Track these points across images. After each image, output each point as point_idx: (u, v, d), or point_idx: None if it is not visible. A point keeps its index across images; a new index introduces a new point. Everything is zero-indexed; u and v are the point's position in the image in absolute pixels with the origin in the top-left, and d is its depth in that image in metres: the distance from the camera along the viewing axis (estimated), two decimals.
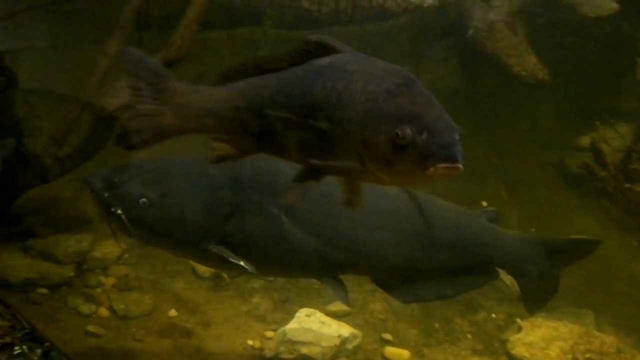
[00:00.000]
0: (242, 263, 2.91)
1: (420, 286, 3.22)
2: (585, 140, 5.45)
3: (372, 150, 1.89)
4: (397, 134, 1.84)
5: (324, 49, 2.02)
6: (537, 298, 3.36)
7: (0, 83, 3.58)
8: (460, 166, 1.83)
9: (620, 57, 5.57)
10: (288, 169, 2.98)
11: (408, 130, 1.83)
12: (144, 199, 2.87)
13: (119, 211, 2.83)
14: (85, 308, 3.63)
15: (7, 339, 2.10)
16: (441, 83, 5.51)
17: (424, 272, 3.19)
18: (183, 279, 4.07)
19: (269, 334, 3.73)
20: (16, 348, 2.07)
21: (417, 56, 5.56)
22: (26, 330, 2.16)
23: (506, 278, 4.19)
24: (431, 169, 1.81)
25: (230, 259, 2.89)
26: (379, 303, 4.12)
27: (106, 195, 2.86)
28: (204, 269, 4.11)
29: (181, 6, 5.24)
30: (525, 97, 5.64)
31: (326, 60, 1.99)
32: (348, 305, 3.31)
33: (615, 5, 5.07)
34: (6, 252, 3.80)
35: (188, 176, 2.99)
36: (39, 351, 2.10)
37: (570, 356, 3.47)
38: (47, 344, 2.14)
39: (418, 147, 1.83)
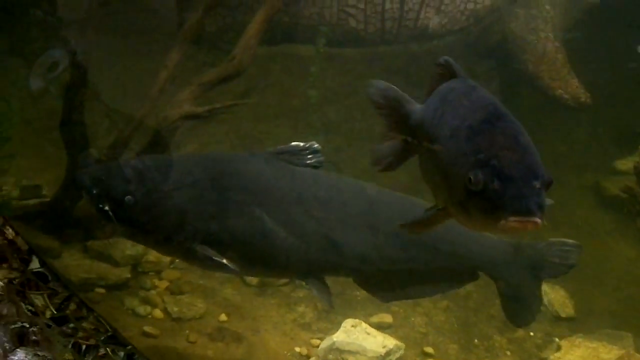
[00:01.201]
0: (224, 261, 2.99)
1: (400, 285, 3.34)
2: (622, 164, 5.52)
3: (450, 191, 1.85)
4: (470, 178, 1.74)
5: (449, 70, 2.13)
6: (521, 307, 3.41)
7: (75, 79, 3.72)
8: (537, 220, 1.68)
9: None
10: (269, 169, 3.18)
11: (480, 176, 1.72)
12: (129, 197, 2.93)
13: (106, 207, 2.90)
14: (141, 309, 3.78)
15: (92, 341, 2.25)
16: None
17: (404, 272, 3.29)
18: (231, 285, 4.21)
19: (315, 342, 3.85)
20: (101, 350, 2.22)
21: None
22: (109, 334, 2.30)
23: (545, 298, 4.29)
24: (502, 222, 1.69)
25: (213, 257, 2.98)
26: (420, 317, 4.23)
27: (94, 192, 2.95)
28: (251, 277, 4.25)
29: (233, 22, 5.47)
30: (562, 119, 5.72)
31: (441, 87, 2.08)
32: (331, 307, 3.42)
33: None
34: (68, 253, 3.97)
35: (173, 174, 3.09)
36: (121, 353, 2.24)
37: None
38: (129, 347, 2.28)
39: (490, 195, 1.71)
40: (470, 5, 5.47)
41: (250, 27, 4.24)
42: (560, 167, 5.80)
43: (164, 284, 4.06)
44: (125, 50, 4.83)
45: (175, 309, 3.85)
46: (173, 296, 3.97)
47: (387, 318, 4.16)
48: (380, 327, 4.01)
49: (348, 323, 3.82)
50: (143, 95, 4.29)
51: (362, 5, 5.47)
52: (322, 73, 4.94)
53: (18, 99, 3.89)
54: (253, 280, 4.26)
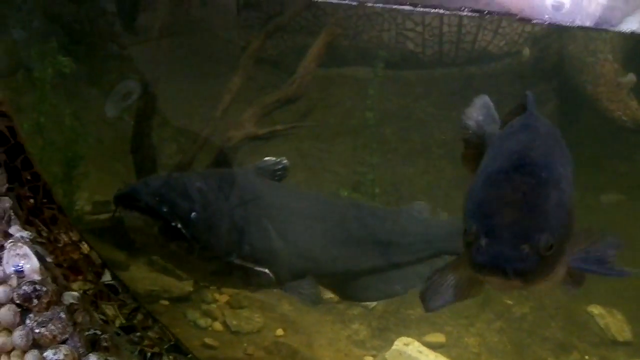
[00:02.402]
0: (267, 271, 3.09)
1: (370, 287, 3.49)
2: None
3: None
4: (465, 230, 1.75)
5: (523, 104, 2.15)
6: None
7: (145, 107, 3.97)
8: (515, 283, 1.65)
9: None
10: (261, 183, 3.29)
11: (474, 230, 1.71)
12: (194, 213, 2.95)
13: (179, 225, 2.89)
14: (202, 321, 3.96)
15: (156, 349, 2.42)
16: None
17: (371, 272, 3.44)
18: (288, 301, 4.35)
19: (368, 359, 3.95)
20: (164, 357, 2.39)
21: (517, 98, 5.70)
22: (172, 343, 2.47)
23: (601, 321, 4.27)
24: (485, 277, 1.69)
25: (256, 267, 3.08)
26: (473, 338, 4.26)
27: (162, 209, 2.89)
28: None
29: (292, 45, 5.67)
30: (624, 140, 5.66)
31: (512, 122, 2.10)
32: (315, 303, 3.42)
33: None
34: (134, 265, 4.19)
35: (218, 189, 3.17)
36: None
37: None
38: (189, 355, 2.44)
39: (476, 250, 1.69)
40: (527, 27, 5.50)
41: (310, 51, 4.41)
42: (621, 188, 5.74)
43: (224, 298, 4.22)
44: (191, 74, 5.07)
45: (234, 322, 4.01)
46: (232, 310, 4.13)
47: (441, 338, 4.22)
48: (433, 346, 4.07)
49: (401, 341, 3.91)
50: (207, 117, 4.51)
51: (420, 29, 5.58)
52: (380, 95, 5.05)
53: (94, 123, 4.15)
54: None
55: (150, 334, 2.45)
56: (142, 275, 4.14)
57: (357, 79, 5.69)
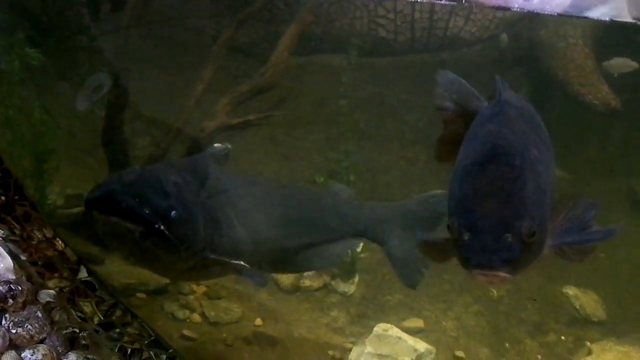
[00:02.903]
0: (242, 263, 3.02)
1: (292, 262, 3.51)
2: None
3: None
4: (448, 225, 1.74)
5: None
6: (408, 267, 3.48)
7: (116, 99, 3.90)
8: (501, 274, 1.64)
9: None
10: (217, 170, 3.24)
11: (455, 225, 1.71)
12: (174, 211, 2.77)
13: (162, 227, 2.70)
14: (180, 313, 3.94)
15: (137, 345, 2.40)
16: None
17: (292, 249, 3.46)
18: (266, 291, 4.34)
19: (348, 345, 3.96)
20: (144, 353, 2.36)
21: (489, 83, 5.73)
22: (152, 338, 2.45)
23: (576, 302, 4.34)
24: (472, 272, 1.68)
25: (231, 261, 3.00)
26: (451, 321, 4.31)
27: (147, 212, 2.69)
28: (286, 282, 4.39)
29: (264, 34, 5.62)
30: (595, 124, 5.73)
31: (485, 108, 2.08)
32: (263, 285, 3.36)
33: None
34: (109, 259, 4.14)
35: (187, 185, 3.05)
36: (164, 357, 2.39)
37: None
38: (170, 350, 2.42)
39: (460, 246, 1.70)
40: (499, 14, 5.53)
41: (282, 40, 4.38)
42: (592, 172, 5.82)
43: (201, 289, 4.20)
44: (161, 64, 5.01)
45: (213, 313, 4.00)
46: (210, 301, 4.11)
47: (419, 322, 4.25)
48: (412, 331, 4.10)
49: (380, 327, 3.92)
50: (180, 107, 4.46)
51: (392, 16, 5.57)
52: (353, 82, 5.04)
53: (65, 116, 4.07)
54: (288, 285, 4.39)
55: (129, 329, 2.42)
56: (117, 269, 4.09)
57: (330, 67, 5.66)
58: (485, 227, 1.66)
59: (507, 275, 1.65)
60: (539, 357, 4.06)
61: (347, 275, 4.57)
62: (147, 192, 2.79)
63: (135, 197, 2.71)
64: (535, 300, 4.42)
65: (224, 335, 3.84)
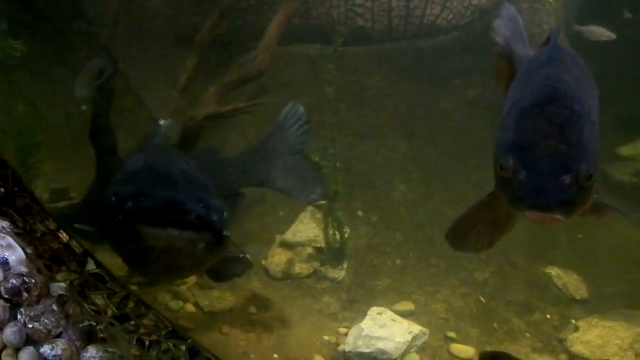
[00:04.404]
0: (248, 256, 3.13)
1: None
2: (626, 150, 5.67)
3: (494, 171, 1.79)
4: (501, 164, 1.71)
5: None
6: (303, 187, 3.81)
7: (104, 87, 3.83)
8: (557, 216, 1.63)
9: None
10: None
11: (510, 163, 1.67)
12: (225, 212, 2.66)
13: (228, 234, 2.62)
14: (173, 304, 3.93)
15: (154, 337, 2.38)
16: (490, 96, 5.76)
17: None
18: (258, 279, 4.37)
19: (342, 330, 4.02)
20: (163, 345, 2.36)
21: (467, 71, 5.82)
22: (169, 329, 2.43)
23: (559, 282, 4.46)
24: (525, 213, 1.67)
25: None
26: (440, 304, 4.39)
27: (215, 219, 2.54)
28: (276, 270, 4.42)
29: (243, 24, 5.60)
30: None
31: (537, 53, 2.06)
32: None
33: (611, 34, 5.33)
34: (98, 252, 4.09)
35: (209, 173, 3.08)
36: (183, 347, 2.38)
37: (630, 352, 3.73)
38: (189, 340, 2.42)
39: (514, 185, 1.67)
40: (475, 1, 5.61)
41: (270, 27, 4.40)
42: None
43: (192, 279, 4.20)
44: (143, 55, 4.96)
45: (206, 302, 4.01)
46: (203, 291, 4.11)
47: (409, 306, 4.32)
48: (403, 314, 4.17)
49: (374, 311, 3.99)
50: (164, 97, 4.44)
51: (369, 4, 5.61)
52: (332, 71, 5.06)
53: (51, 106, 4.00)
54: (278, 273, 4.42)
55: (145, 321, 2.41)
56: (107, 262, 4.03)
57: (308, 57, 5.68)
58: (545, 167, 1.63)
59: (562, 218, 1.64)
60: (527, 335, 4.17)
61: (336, 261, 4.61)
62: (206, 195, 2.64)
63: (201, 203, 2.53)
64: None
65: (219, 324, 3.85)
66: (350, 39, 5.62)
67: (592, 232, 4.99)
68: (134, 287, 4.00)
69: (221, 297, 4.08)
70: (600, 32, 5.28)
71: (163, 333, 2.37)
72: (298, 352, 3.76)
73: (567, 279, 4.48)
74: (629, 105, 5.73)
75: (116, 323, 2.37)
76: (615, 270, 4.56)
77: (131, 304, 2.47)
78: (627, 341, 3.81)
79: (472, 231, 2.17)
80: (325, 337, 3.95)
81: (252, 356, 3.63)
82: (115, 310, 2.44)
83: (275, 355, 3.70)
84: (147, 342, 2.33)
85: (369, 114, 5.65)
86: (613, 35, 5.26)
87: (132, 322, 2.39)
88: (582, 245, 4.52)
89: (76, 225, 3.17)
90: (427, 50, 5.76)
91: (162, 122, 3.45)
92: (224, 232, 2.61)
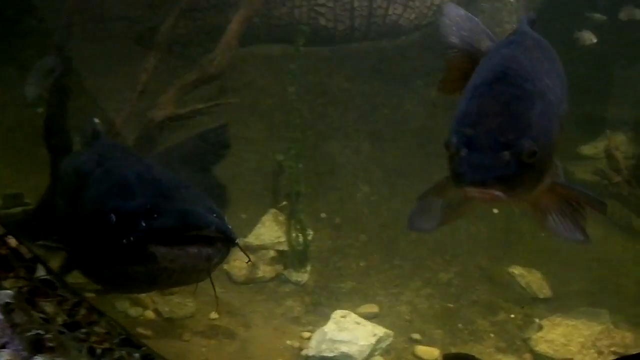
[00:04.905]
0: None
1: None
2: (587, 149, 5.73)
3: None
4: (446, 142, 1.70)
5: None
6: None
7: (60, 87, 3.70)
8: (496, 193, 1.59)
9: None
10: None
11: (453, 140, 1.66)
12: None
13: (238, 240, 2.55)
14: (133, 311, 3.82)
15: (106, 345, 2.28)
16: (452, 96, 5.76)
17: None
18: (219, 284, 4.26)
19: (306, 334, 3.95)
20: (116, 353, 2.25)
21: (429, 71, 5.81)
22: (122, 336, 2.33)
23: (522, 281, 4.46)
24: (465, 190, 1.63)
25: None
26: (404, 306, 4.36)
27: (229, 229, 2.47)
28: (239, 274, 4.34)
29: (203, 25, 5.51)
30: None
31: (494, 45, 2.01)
32: None
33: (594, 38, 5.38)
34: (53, 260, 3.96)
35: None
36: (137, 355, 2.28)
37: (592, 350, 3.73)
38: (143, 348, 2.32)
39: (456, 162, 1.65)
40: (437, 0, 5.61)
41: (230, 27, 4.32)
42: None
43: None
44: (101, 57, 4.83)
45: (167, 309, 3.91)
46: (163, 297, 4.01)
47: (374, 308, 4.28)
48: (368, 317, 4.13)
49: (337, 314, 3.93)
50: (124, 99, 4.33)
51: (331, 4, 5.57)
52: (295, 72, 5.00)
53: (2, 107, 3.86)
54: (240, 277, 4.34)
55: (96, 329, 2.30)
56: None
57: (270, 57, 5.61)
58: (483, 143, 1.61)
59: (501, 194, 1.59)
60: (492, 335, 4.16)
61: (299, 264, 4.55)
62: (208, 202, 2.52)
63: (211, 212, 2.41)
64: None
65: (180, 330, 3.76)
66: (312, 39, 5.59)
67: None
68: (90, 295, 3.89)
69: (182, 303, 3.98)
70: (589, 37, 5.32)
71: (116, 341, 2.27)
72: (260, 357, 3.68)
73: (530, 278, 4.48)
74: (589, 105, 5.80)
75: (66, 331, 2.26)
76: (578, 268, 4.57)
77: (83, 311, 2.36)
78: (590, 339, 3.82)
79: (428, 212, 2.14)
80: (288, 342, 3.88)
81: None
82: (67, 318, 2.33)
83: None
84: (99, 351, 2.23)
85: (332, 114, 5.60)
86: (595, 39, 5.31)
87: (84, 330, 2.29)
88: (545, 243, 4.51)
89: (40, 243, 2.94)
90: (390, 50, 5.74)
91: (96, 120, 3.28)
92: (237, 240, 2.53)
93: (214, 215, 2.46)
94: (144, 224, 2.40)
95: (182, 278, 2.54)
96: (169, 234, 2.35)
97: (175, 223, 2.36)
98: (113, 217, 2.53)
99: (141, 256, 2.40)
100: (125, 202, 2.58)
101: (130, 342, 2.29)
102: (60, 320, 2.32)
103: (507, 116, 1.68)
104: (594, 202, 1.96)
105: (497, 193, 1.60)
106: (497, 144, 1.62)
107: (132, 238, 2.39)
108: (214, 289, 2.68)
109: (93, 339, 2.28)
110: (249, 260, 3.08)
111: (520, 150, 1.62)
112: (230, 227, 2.49)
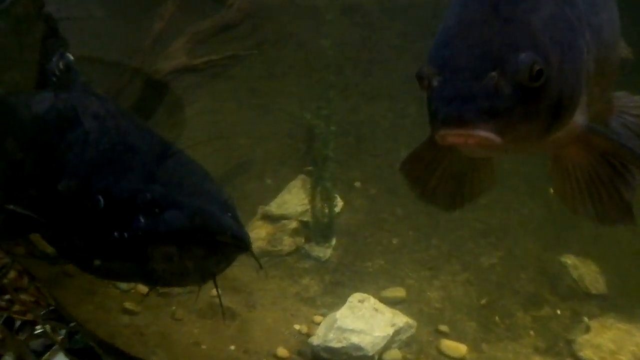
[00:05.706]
0: None
1: None
2: None
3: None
4: (417, 72, 1.30)
5: None
6: None
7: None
8: (483, 134, 1.13)
9: None
10: None
11: (425, 71, 1.27)
12: None
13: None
14: (124, 284, 3.46)
15: (29, 316, 1.93)
16: None
17: None
18: None
19: (318, 318, 3.53)
20: (38, 327, 1.90)
21: None
22: (51, 307, 1.98)
23: (574, 273, 3.89)
24: (440, 135, 1.20)
25: None
26: (437, 291, 3.87)
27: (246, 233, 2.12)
28: (253, 245, 3.94)
29: None
30: None
31: None
32: None
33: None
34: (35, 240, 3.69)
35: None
36: (63, 332, 1.93)
37: None
38: (72, 324, 1.96)
39: (428, 98, 1.26)
40: None
41: None
42: None
43: None
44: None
45: None
46: None
47: (401, 292, 3.82)
48: (393, 302, 3.68)
49: (355, 298, 3.49)
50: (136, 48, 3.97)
51: None
52: (338, 25, 4.50)
53: None
54: (254, 249, 3.93)
55: (23, 296, 1.95)
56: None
57: (314, 8, 5.13)
58: (462, 65, 1.16)
59: (492, 135, 1.12)
60: (531, 332, 3.62)
61: (322, 238, 4.12)
62: (222, 195, 2.15)
63: (226, 211, 2.03)
64: None
65: (174, 307, 3.39)
66: None
67: (555, 230, 4.30)
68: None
69: None
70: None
71: (43, 312, 1.90)
72: (260, 343, 3.28)
73: (584, 270, 3.88)
74: None
75: None
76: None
77: (13, 274, 2.00)
78: None
79: (431, 177, 1.65)
80: (297, 326, 3.47)
81: (203, 347, 3.17)
82: None
83: (232, 347, 3.23)
84: (17, 322, 1.87)
85: (377, 74, 5.09)
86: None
87: (7, 297, 1.93)
88: (605, 232, 3.89)
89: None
90: (446, 4, 5.13)
91: (69, 55, 2.68)
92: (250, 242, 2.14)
93: (229, 215, 2.03)
94: (142, 220, 1.94)
95: (182, 281, 2.14)
96: (174, 237, 1.92)
97: (183, 225, 1.91)
98: (101, 200, 2.03)
99: (134, 255, 1.96)
100: (119, 181, 2.07)
101: (58, 314, 1.92)
102: None
103: (496, 22, 1.20)
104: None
105: (485, 134, 1.12)
106: (482, 63, 1.15)
107: (126, 235, 1.94)
108: (219, 296, 2.28)
109: (15, 307, 1.92)
110: (261, 268, 2.56)
111: (515, 69, 1.14)
112: (246, 231, 2.09)
